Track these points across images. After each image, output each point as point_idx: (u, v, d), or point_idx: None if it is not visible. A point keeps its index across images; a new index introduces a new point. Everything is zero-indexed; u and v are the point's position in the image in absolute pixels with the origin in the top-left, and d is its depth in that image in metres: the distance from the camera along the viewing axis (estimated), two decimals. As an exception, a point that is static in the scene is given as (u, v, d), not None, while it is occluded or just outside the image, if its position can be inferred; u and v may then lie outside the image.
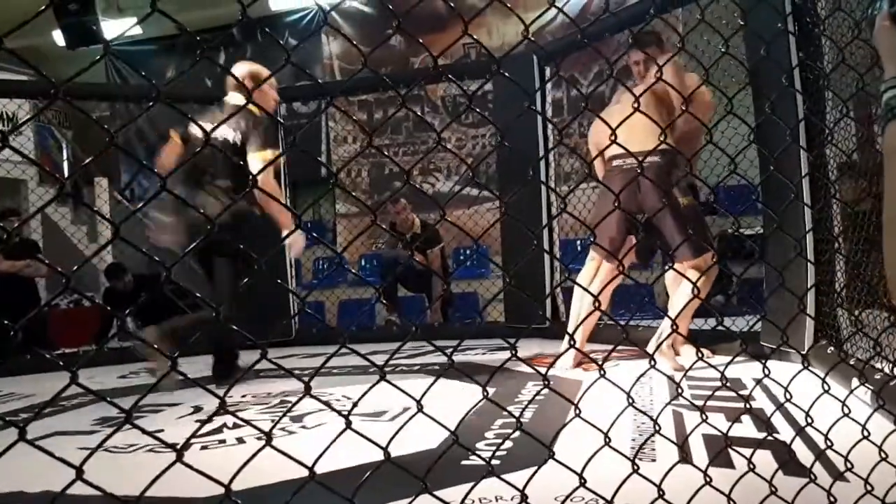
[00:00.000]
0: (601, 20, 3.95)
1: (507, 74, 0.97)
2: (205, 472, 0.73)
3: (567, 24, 6.92)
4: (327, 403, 0.89)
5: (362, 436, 0.84)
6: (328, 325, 6.37)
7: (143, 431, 0.73)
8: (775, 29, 2.52)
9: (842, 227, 2.53)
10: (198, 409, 2.74)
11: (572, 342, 1.06)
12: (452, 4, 4.57)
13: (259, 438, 1.95)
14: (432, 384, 0.92)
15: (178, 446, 0.75)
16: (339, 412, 0.84)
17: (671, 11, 3.52)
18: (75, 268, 0.63)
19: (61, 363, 0.65)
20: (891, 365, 1.66)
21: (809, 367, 1.24)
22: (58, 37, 8.15)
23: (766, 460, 1.57)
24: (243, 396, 2.95)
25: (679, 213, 2.89)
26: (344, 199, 7.99)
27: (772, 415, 1.68)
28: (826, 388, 1.27)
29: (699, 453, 1.72)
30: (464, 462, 1.70)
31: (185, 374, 0.77)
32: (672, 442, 1.30)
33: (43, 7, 0.86)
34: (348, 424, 0.82)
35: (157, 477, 0.73)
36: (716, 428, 1.24)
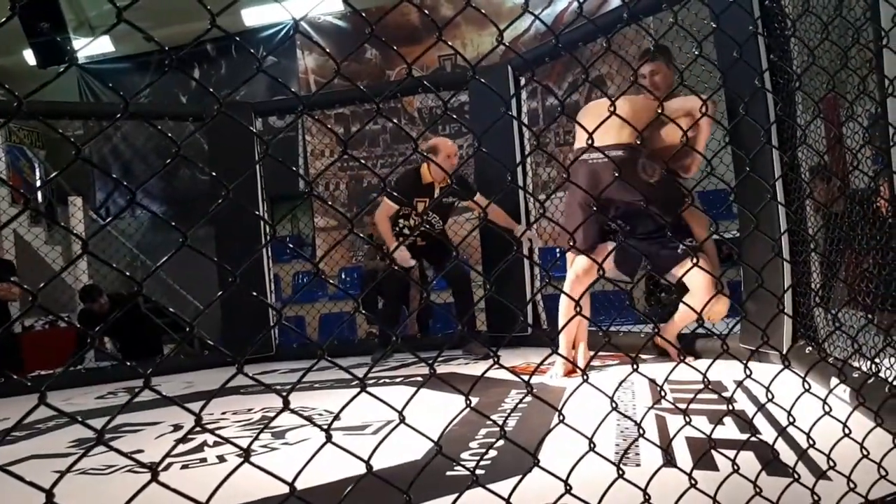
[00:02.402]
0: (573, 30, 3.98)
1: (482, 80, 0.97)
2: (181, 492, 0.71)
3: (540, 36, 6.97)
4: (308, 418, 0.87)
5: (344, 449, 0.82)
6: (308, 338, 6.32)
7: (116, 451, 0.71)
8: (745, 33, 2.55)
9: (816, 228, 2.56)
10: (177, 428, 2.70)
11: (554, 349, 1.06)
12: (427, 12, 4.60)
13: (240, 455, 1.92)
14: (414, 394, 0.91)
15: (154, 466, 0.73)
16: (319, 426, 0.82)
17: (642, 20, 3.56)
18: (42, 284, 0.61)
19: (29, 384, 0.63)
20: (868, 363, 1.68)
21: (790, 367, 1.24)
22: (28, 56, 8.07)
23: (749, 461, 1.58)
24: (223, 413, 2.91)
25: (655, 194, 2.87)
26: (322, 212, 7.96)
27: (754, 416, 1.69)
28: (807, 386, 1.28)
29: (683, 456, 1.72)
30: (448, 473, 1.69)
31: (160, 391, 0.75)
32: (656, 445, 1.30)
33: (7, 17, 0.84)
34: (328, 438, 0.81)
35: (133, 497, 0.71)
36: (700, 430, 1.24)
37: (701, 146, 2.92)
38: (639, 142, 2.77)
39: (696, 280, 2.99)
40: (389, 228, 4.11)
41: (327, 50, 7.54)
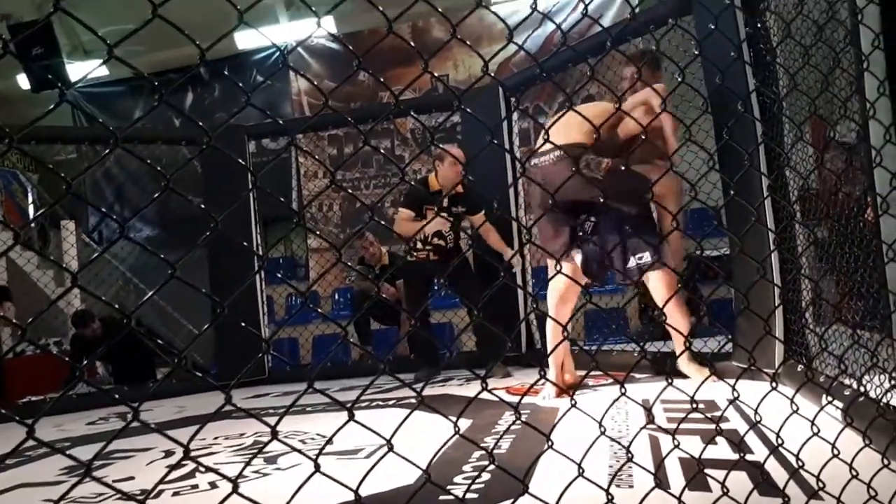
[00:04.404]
0: (561, 53, 4.02)
1: (468, 110, 0.99)
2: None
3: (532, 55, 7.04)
4: (297, 449, 0.87)
5: (333, 479, 0.83)
6: (299, 363, 6.30)
7: (105, 485, 0.71)
8: (732, 55, 2.59)
9: (804, 247, 2.58)
10: (169, 454, 2.68)
11: (542, 373, 1.07)
12: (412, 44, 4.63)
13: (231, 481, 1.90)
14: (402, 423, 0.91)
15: (142, 497, 0.74)
16: (307, 456, 0.82)
17: (631, 41, 3.60)
18: (30, 320, 0.62)
19: (17, 418, 0.63)
20: (856, 382, 1.69)
21: (777, 389, 1.25)
22: (22, 80, 8.10)
23: (741, 481, 1.58)
24: (215, 438, 2.89)
25: (608, 188, 2.89)
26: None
27: (744, 435, 1.69)
28: (795, 408, 1.29)
29: (676, 477, 1.72)
30: (441, 497, 1.68)
31: (149, 422, 0.75)
32: (646, 470, 1.30)
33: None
34: (317, 468, 0.81)
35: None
36: (687, 453, 1.25)
37: (668, 129, 2.94)
38: (595, 137, 2.80)
39: (657, 290, 3.00)
40: (413, 223, 3.98)
41: (315, 83, 7.59)
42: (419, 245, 4.16)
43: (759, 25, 2.70)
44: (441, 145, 4.21)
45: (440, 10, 1.00)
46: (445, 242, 4.15)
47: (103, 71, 8.41)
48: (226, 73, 7.79)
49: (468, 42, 1.10)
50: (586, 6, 6.12)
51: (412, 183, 3.96)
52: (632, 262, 3.03)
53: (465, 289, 3.96)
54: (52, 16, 5.75)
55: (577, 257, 3.12)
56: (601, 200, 2.84)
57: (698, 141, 1.32)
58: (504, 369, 4.12)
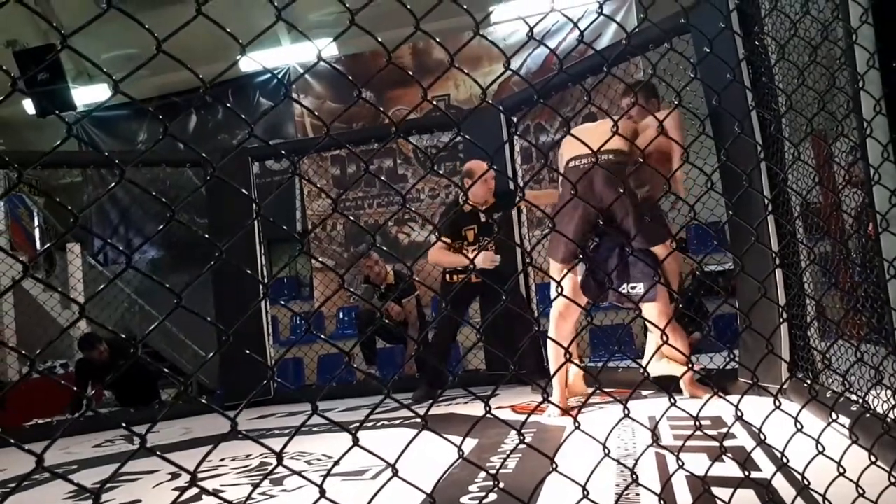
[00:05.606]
0: (561, 73, 4.03)
1: (467, 137, 1.00)
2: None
3: (532, 75, 7.08)
4: (301, 474, 0.88)
5: (337, 504, 0.83)
6: (305, 384, 6.30)
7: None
8: (733, 70, 2.60)
9: (806, 263, 2.58)
10: (175, 476, 2.67)
11: (545, 396, 1.07)
12: (413, 65, 4.65)
13: (238, 506, 1.90)
14: (407, 446, 0.92)
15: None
16: (313, 482, 0.83)
17: (630, 60, 3.63)
18: (38, 351, 0.63)
19: (26, 448, 0.64)
20: (861, 399, 1.68)
21: (781, 407, 1.25)
22: (27, 105, 8.18)
23: (748, 499, 1.57)
24: (222, 460, 2.89)
25: (637, 204, 2.94)
26: (320, 252, 8.00)
27: (751, 452, 1.69)
28: (799, 426, 1.29)
29: (683, 495, 1.72)
30: (447, 519, 1.68)
31: (153, 448, 0.76)
32: (652, 492, 1.30)
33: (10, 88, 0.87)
34: (322, 493, 0.82)
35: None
36: (691, 473, 1.25)
37: (676, 154, 2.96)
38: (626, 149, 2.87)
39: (651, 318, 3.01)
40: (451, 255, 3.87)
41: (317, 109, 7.66)
42: (458, 269, 4.04)
43: (756, 44, 2.72)
44: (468, 163, 4.05)
45: (440, 30, 1.01)
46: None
47: (106, 95, 8.50)
48: (228, 105, 7.87)
49: (467, 66, 1.12)
50: (582, 32, 6.17)
51: (409, 207, 3.91)
52: (624, 289, 3.05)
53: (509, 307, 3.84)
54: (55, 40, 5.82)
55: (580, 274, 3.13)
56: (626, 220, 2.89)
57: (702, 157, 1.34)
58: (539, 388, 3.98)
